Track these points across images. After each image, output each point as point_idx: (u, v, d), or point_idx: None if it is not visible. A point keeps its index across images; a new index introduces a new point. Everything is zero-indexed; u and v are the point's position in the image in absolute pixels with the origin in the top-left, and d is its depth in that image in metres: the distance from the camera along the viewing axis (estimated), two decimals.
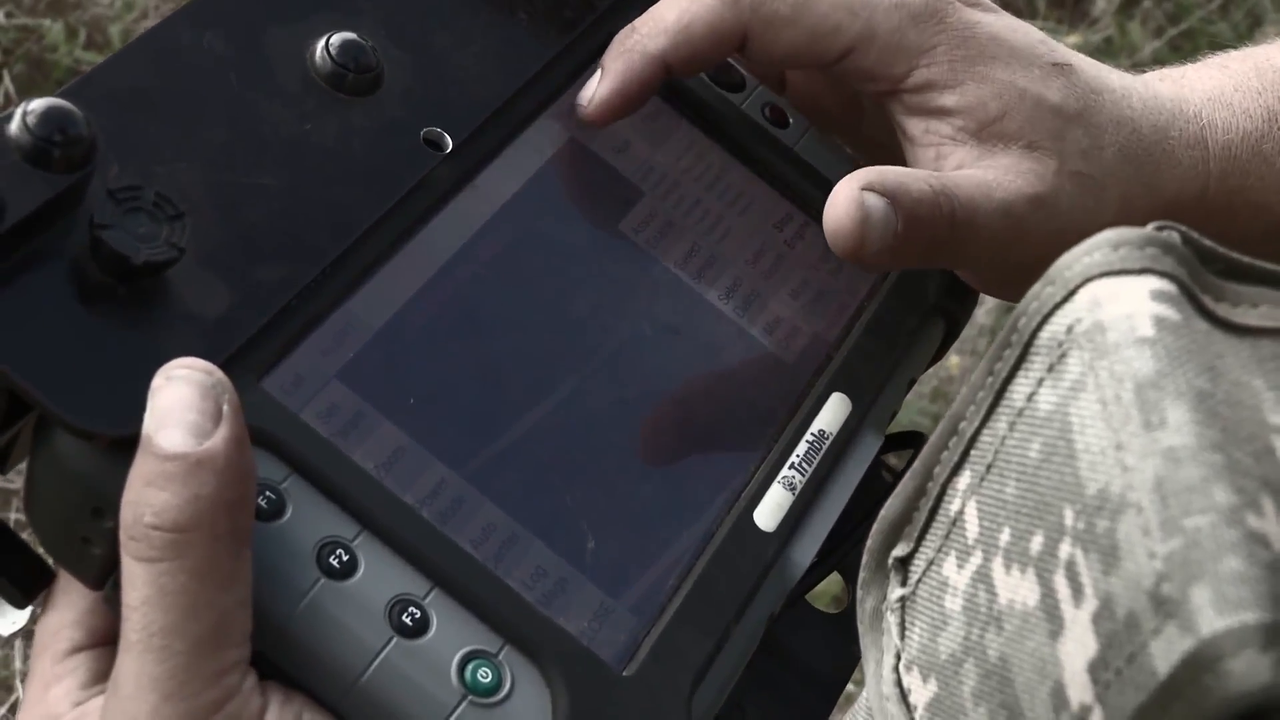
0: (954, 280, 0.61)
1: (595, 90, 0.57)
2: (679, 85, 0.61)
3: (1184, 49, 2.26)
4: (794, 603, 0.54)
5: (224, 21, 0.52)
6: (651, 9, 0.58)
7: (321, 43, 0.53)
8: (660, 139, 0.60)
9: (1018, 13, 2.29)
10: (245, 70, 0.52)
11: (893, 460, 0.61)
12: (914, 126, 0.59)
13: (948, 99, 0.58)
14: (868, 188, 0.55)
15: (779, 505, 0.53)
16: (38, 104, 0.45)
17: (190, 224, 0.47)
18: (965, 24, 0.58)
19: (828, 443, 0.55)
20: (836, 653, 0.57)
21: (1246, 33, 2.28)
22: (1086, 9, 2.31)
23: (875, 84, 0.59)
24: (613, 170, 0.58)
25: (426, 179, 0.53)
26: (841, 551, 0.56)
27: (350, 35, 0.54)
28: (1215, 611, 0.32)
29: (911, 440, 0.60)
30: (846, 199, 0.55)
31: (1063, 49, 0.60)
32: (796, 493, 0.53)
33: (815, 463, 0.54)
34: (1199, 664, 0.32)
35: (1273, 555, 0.32)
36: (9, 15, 2.01)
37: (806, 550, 0.53)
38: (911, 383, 0.60)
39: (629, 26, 0.58)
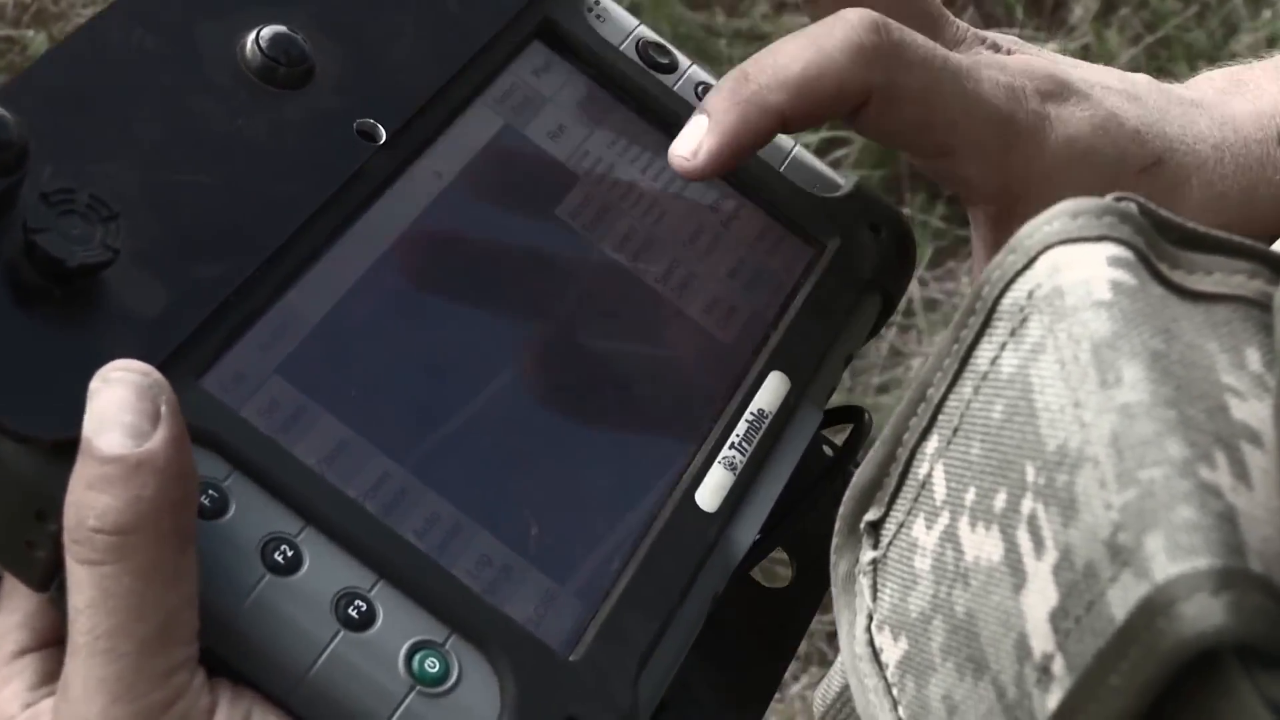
0: (890, 256, 0.61)
1: (703, 141, 0.53)
2: (611, 70, 0.61)
3: (1160, 57, 2.28)
4: (738, 581, 0.55)
5: (153, 18, 0.52)
6: (767, 55, 0.54)
7: (251, 36, 0.53)
8: (594, 123, 0.60)
9: (996, 22, 2.31)
10: (176, 66, 0.52)
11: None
12: (985, 243, 0.59)
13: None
14: None
15: (720, 485, 0.53)
16: None
17: (125, 224, 0.47)
18: (1064, 144, 0.57)
19: (767, 422, 0.56)
20: (781, 626, 0.58)
21: (1222, 41, 2.30)
22: (1064, 17, 2.33)
23: (967, 192, 0.59)
24: (547, 156, 0.58)
25: (361, 170, 0.53)
26: (784, 527, 0.57)
27: (280, 28, 0.53)
28: (1168, 558, 0.33)
29: (851, 415, 0.61)
30: None
31: (1158, 134, 0.58)
32: (737, 472, 0.54)
33: (755, 442, 0.55)
34: (1154, 609, 0.33)
35: (1224, 505, 0.33)
36: None
37: (748, 529, 0.54)
38: (849, 359, 0.60)
39: (740, 72, 0.54)
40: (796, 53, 0.54)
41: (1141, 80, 0.61)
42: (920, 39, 0.55)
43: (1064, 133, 0.57)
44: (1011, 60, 0.59)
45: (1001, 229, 0.58)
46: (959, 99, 0.55)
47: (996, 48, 0.60)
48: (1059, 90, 0.58)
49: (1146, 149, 0.58)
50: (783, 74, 0.53)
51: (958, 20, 0.60)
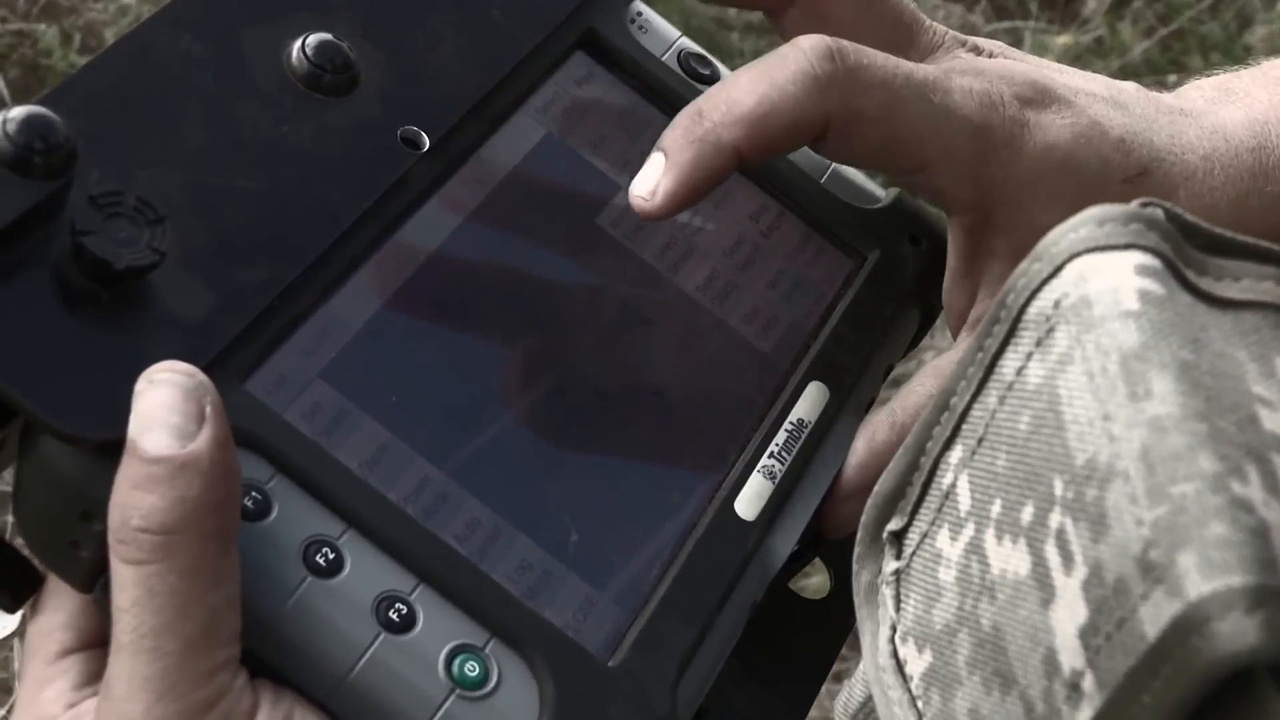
0: (930, 268, 0.61)
1: (660, 182, 0.52)
2: (653, 80, 0.61)
3: (1174, 49, 2.27)
4: (777, 590, 0.55)
5: (200, 24, 0.52)
6: (721, 90, 0.53)
7: (298, 44, 0.53)
8: (636, 133, 0.60)
9: (1009, 15, 2.30)
10: (222, 73, 0.52)
11: None
12: (961, 252, 0.58)
13: (999, 241, 0.56)
14: None
15: (759, 494, 0.53)
16: (17, 112, 0.45)
17: (171, 228, 0.47)
18: (1042, 151, 0.55)
19: (807, 431, 0.56)
20: (820, 637, 0.58)
21: (1236, 33, 2.29)
22: (1077, 9, 2.32)
23: (944, 203, 0.57)
24: (589, 165, 0.58)
25: (404, 177, 0.53)
26: (822, 538, 0.57)
27: (326, 36, 0.54)
28: (1201, 576, 0.32)
29: None
30: None
31: (1144, 144, 0.57)
32: (776, 481, 0.54)
33: (795, 451, 0.55)
34: (1186, 627, 0.32)
35: (1257, 520, 0.33)
36: (3, 21, 2.02)
37: (787, 538, 0.54)
38: (889, 370, 0.60)
39: (695, 109, 0.53)
40: (749, 86, 0.52)
41: (1129, 88, 0.59)
42: (879, 59, 0.53)
43: (1043, 140, 0.55)
44: (990, 64, 0.57)
45: (980, 239, 0.57)
46: (925, 115, 0.54)
47: (978, 51, 0.59)
48: (1039, 96, 0.56)
49: (1131, 158, 0.56)
50: (737, 110, 0.52)
51: (935, 25, 0.59)
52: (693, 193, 0.52)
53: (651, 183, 0.53)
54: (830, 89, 0.52)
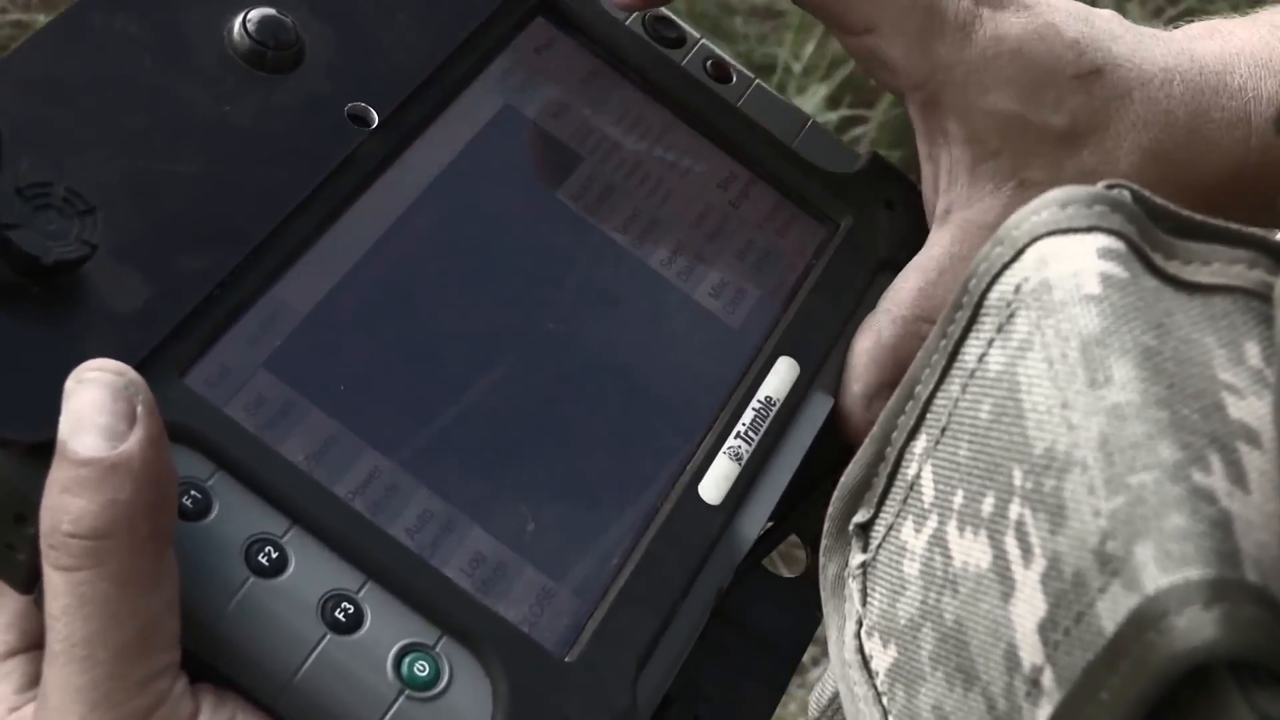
0: (905, 234, 0.60)
1: None
2: (616, 45, 0.59)
3: None
4: (745, 573, 0.53)
5: (137, 2, 0.51)
6: None
7: (239, 20, 0.52)
8: (599, 101, 0.58)
9: None
10: (160, 52, 0.50)
11: None
12: (922, 139, 0.59)
13: (951, 125, 0.57)
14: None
15: (725, 477, 0.52)
16: None
17: (104, 217, 0.46)
18: (992, 40, 0.57)
19: (775, 409, 0.54)
20: (795, 616, 0.56)
21: (1246, 13, 2.28)
22: None
23: (894, 78, 0.58)
24: (549, 136, 0.57)
25: (353, 156, 0.51)
26: (797, 515, 0.55)
27: (269, 11, 0.52)
28: (1159, 569, 0.31)
29: None
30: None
31: (1100, 49, 0.58)
32: (743, 463, 0.52)
33: (762, 431, 0.53)
34: (1144, 622, 0.31)
35: (1218, 511, 0.32)
36: (2, 11, 2.01)
37: (754, 521, 0.52)
38: None
39: None
40: None
41: (1105, 13, 0.60)
42: None
43: (994, 30, 0.57)
44: None
45: (932, 120, 0.58)
46: None
47: None
48: None
49: (1084, 58, 0.57)
50: None
51: None
52: None
53: None
54: None
